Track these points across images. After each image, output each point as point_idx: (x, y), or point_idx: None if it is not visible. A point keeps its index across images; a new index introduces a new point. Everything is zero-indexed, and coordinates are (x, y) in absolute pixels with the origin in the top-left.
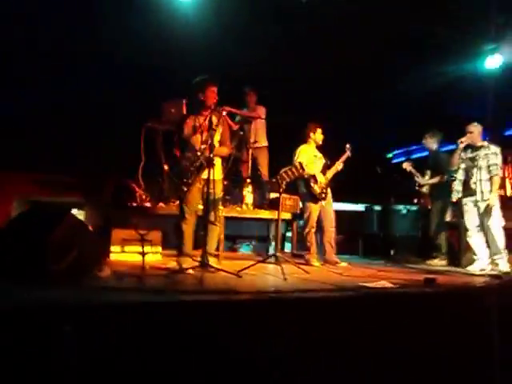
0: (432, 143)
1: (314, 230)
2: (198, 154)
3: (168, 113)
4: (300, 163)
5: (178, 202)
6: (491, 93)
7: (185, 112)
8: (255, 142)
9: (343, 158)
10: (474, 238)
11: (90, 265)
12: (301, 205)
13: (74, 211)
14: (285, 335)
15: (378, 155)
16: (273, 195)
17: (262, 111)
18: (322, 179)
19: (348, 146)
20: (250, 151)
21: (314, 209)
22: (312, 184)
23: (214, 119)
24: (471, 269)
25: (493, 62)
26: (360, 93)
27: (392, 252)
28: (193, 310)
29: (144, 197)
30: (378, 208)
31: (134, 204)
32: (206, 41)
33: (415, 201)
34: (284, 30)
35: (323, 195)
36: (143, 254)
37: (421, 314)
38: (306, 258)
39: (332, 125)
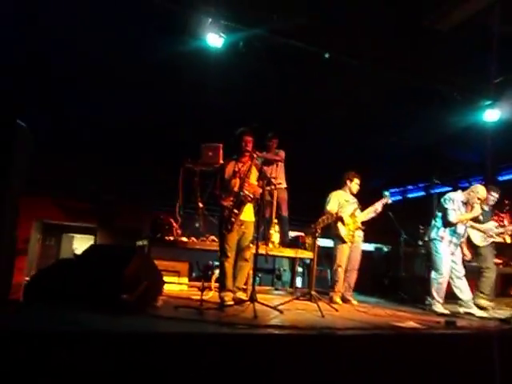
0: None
1: (341, 269)
2: (242, 193)
3: (206, 155)
4: (335, 213)
5: (210, 238)
6: (488, 142)
7: (221, 156)
8: (279, 183)
9: (380, 203)
10: None
11: (154, 296)
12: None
13: (85, 236)
14: (336, 367)
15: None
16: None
17: (283, 155)
18: (349, 222)
19: (386, 193)
20: (275, 192)
21: (342, 249)
22: (339, 226)
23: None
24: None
25: (491, 114)
26: (366, 137)
27: (401, 293)
28: (252, 343)
29: (179, 231)
30: (386, 249)
31: (171, 238)
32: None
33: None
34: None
35: (350, 237)
36: (202, 288)
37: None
38: (331, 294)
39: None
